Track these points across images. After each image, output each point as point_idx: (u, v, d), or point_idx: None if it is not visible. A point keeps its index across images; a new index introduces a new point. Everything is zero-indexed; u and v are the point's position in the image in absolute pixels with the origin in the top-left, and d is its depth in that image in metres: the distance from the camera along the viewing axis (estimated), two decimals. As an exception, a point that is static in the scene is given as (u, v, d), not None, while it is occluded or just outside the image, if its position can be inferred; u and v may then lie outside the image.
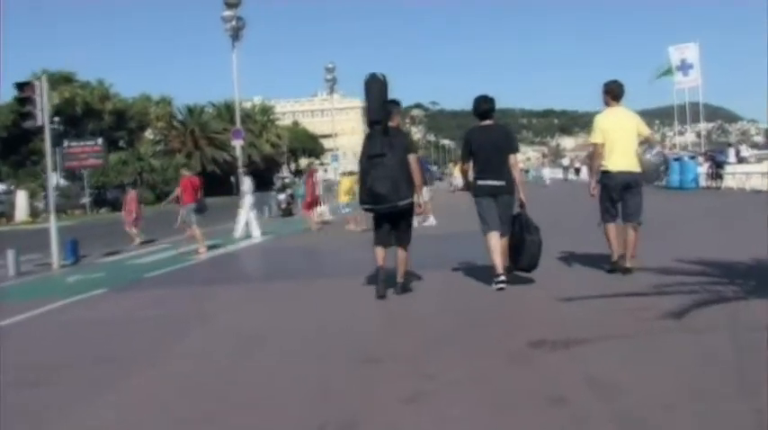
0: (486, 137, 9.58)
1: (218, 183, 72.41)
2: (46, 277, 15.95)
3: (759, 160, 47.73)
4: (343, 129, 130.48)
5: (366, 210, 9.74)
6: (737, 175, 33.34)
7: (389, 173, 9.15)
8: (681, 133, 69.00)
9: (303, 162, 77.21)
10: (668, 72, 48.15)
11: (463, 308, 8.59)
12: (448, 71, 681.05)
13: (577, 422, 4.43)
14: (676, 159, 36.03)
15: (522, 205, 9.58)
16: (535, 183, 52.07)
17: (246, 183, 23.13)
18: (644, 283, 8.70)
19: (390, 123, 9.48)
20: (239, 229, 22.27)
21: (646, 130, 10.18)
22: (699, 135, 63.93)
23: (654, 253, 10.45)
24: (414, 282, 10.09)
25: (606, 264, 10.03)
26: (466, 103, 10.52)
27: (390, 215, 9.44)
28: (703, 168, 35.89)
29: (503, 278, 9.18)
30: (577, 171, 63.16)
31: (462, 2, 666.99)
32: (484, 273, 9.72)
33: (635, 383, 5.06)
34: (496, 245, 9.35)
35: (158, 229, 24.17)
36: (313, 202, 23.80)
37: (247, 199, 22.71)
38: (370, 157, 9.38)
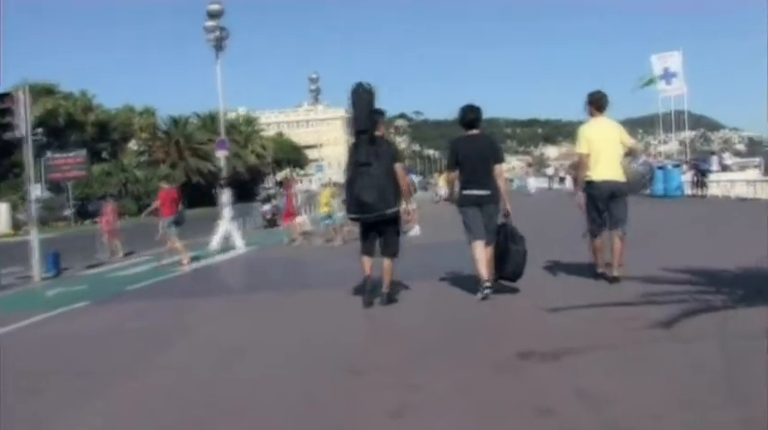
0: (472, 146, 9.55)
1: (202, 195, 72.21)
2: (27, 290, 15.81)
3: (741, 168, 48.03)
4: (328, 139, 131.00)
5: (353, 219, 9.69)
6: (722, 183, 33.48)
7: (376, 182, 9.14)
8: (665, 142, 69.15)
9: (283, 173, 77.27)
10: (651, 82, 48.30)
11: (450, 318, 8.51)
12: (432, 81, 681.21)
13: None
14: (660, 168, 36.12)
15: (506, 215, 9.55)
16: (519, 193, 52.10)
17: (225, 196, 22.94)
18: (631, 292, 8.65)
19: (376, 133, 9.46)
20: (216, 242, 22.06)
21: (629, 140, 10.19)
22: (682, 143, 64.25)
23: (640, 261, 10.39)
24: (400, 293, 10.02)
25: (592, 272, 10.05)
26: (450, 113, 10.51)
27: (377, 224, 9.40)
28: (687, 176, 36.01)
29: (488, 285, 9.14)
30: (562, 180, 63.30)
31: (446, 12, 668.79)
32: (470, 283, 9.65)
33: (624, 394, 5.00)
34: (481, 254, 9.31)
35: (140, 241, 23.99)
36: (292, 214, 23.64)
37: (227, 211, 22.56)
38: (356, 166, 9.37)
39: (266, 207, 34.13)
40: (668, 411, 4.61)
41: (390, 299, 9.43)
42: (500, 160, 9.68)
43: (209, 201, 68.35)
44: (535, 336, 7.10)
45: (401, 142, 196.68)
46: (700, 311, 7.37)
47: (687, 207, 27.53)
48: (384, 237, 9.51)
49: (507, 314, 8.60)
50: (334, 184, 43.42)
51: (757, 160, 52.21)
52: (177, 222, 18.34)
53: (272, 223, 32.23)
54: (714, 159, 43.06)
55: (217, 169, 55.27)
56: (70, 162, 60.61)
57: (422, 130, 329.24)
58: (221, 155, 36.50)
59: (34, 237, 17.64)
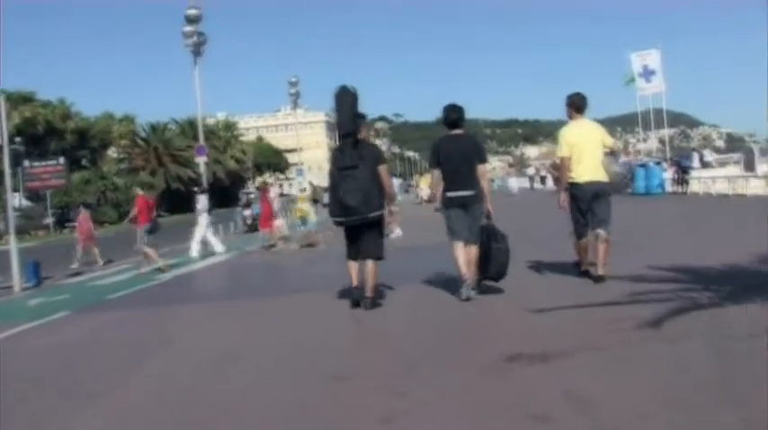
0: (455, 146, 9.54)
1: (182, 201, 71.90)
2: (7, 300, 15.61)
3: (722, 164, 48.31)
4: (308, 143, 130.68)
5: (337, 223, 9.61)
6: (703, 180, 33.63)
7: (360, 185, 9.13)
8: (644, 140, 69.41)
9: (259, 179, 76.79)
10: (632, 80, 48.38)
11: (435, 321, 8.43)
12: (411, 83, 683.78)
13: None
14: (642, 166, 36.23)
15: (488, 216, 9.53)
16: (501, 193, 52.13)
17: (201, 202, 22.74)
18: (617, 292, 8.59)
19: (358, 136, 9.43)
20: (195, 249, 21.93)
21: (610, 141, 10.26)
22: (662, 141, 64.51)
23: (625, 260, 10.37)
24: (384, 296, 9.96)
25: (577, 272, 10.08)
26: (430, 115, 10.53)
27: (361, 227, 9.36)
28: (669, 174, 36.13)
29: (469, 283, 9.18)
30: (543, 179, 63.40)
31: (425, 14, 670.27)
32: (455, 285, 9.57)
33: (614, 395, 4.94)
34: (462, 254, 9.34)
35: (120, 250, 23.80)
36: (269, 219, 23.39)
37: (203, 217, 22.43)
38: (340, 170, 9.34)
39: (247, 212, 33.99)
40: (657, 412, 4.56)
41: (374, 303, 9.34)
42: (484, 160, 9.67)
43: (190, 207, 68.15)
44: (522, 338, 7.03)
45: (382, 144, 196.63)
46: (687, 310, 7.33)
47: (669, 204, 27.63)
48: (368, 241, 9.44)
49: (493, 316, 8.54)
50: (310, 184, 43.22)
51: (736, 156, 52.52)
52: (152, 230, 18.28)
53: (253, 228, 32.13)
54: (695, 156, 43.26)
55: (197, 175, 55.09)
56: (49, 170, 60.09)
57: (402, 132, 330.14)
58: (201, 161, 36.27)
59: (13, 246, 17.44)
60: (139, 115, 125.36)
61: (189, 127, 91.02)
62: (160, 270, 17.64)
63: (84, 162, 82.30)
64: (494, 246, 9.35)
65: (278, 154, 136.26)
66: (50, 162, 61.45)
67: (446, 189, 9.50)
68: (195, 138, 56.79)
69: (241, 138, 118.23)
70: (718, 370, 5.35)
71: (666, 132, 64.52)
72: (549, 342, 6.62)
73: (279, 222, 23.53)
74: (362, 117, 9.76)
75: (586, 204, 9.79)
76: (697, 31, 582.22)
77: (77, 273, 20.01)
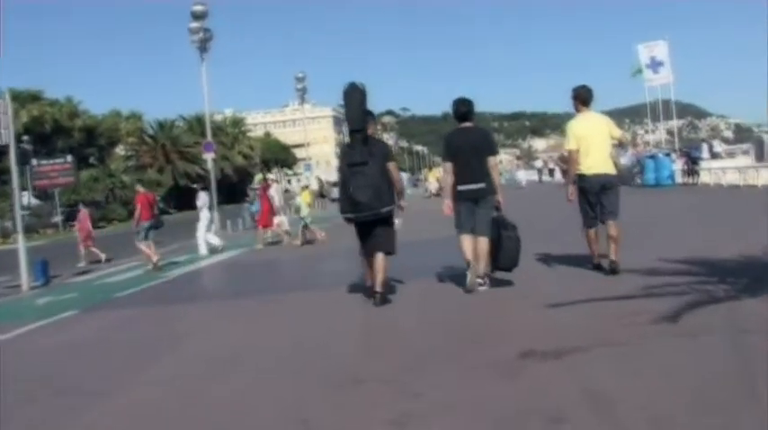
0: (465, 139, 9.57)
1: (189, 197, 71.93)
2: (15, 299, 15.62)
3: (731, 155, 48.06)
4: (315, 138, 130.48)
5: (347, 219, 9.54)
6: (713, 171, 33.39)
7: (371, 181, 9.14)
8: (652, 131, 69.17)
9: (258, 176, 76.56)
10: (639, 71, 48.08)
11: (447, 318, 8.32)
12: (418, 77, 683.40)
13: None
14: (651, 157, 36.06)
15: (498, 207, 9.51)
16: (510, 186, 51.96)
17: (201, 199, 22.68)
18: (631, 285, 8.45)
19: (367, 132, 9.45)
20: (202, 246, 21.87)
21: (618, 132, 10.30)
22: (670, 132, 64.16)
23: (637, 253, 10.26)
24: (395, 291, 9.90)
25: (589, 264, 10.03)
26: (437, 109, 10.49)
27: (372, 223, 9.33)
28: (679, 165, 35.93)
29: (474, 268, 9.29)
30: (551, 172, 63.23)
31: (431, 8, 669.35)
32: (464, 280, 9.45)
33: (634, 394, 4.79)
34: (467, 242, 9.39)
35: (128, 247, 23.75)
36: (270, 216, 23.07)
37: (203, 214, 22.37)
38: (350, 166, 9.33)
39: (255, 208, 33.92)
40: (678, 409, 4.44)
41: (384, 299, 9.26)
42: (494, 152, 9.70)
43: (194, 204, 68.12)
44: (537, 335, 6.88)
45: (389, 139, 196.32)
46: (703, 303, 7.19)
47: (680, 196, 27.46)
48: (379, 235, 9.40)
49: (507, 312, 8.42)
50: (318, 179, 43.04)
51: (746, 146, 52.26)
52: (155, 226, 18.24)
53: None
54: (704, 147, 43.02)
55: (205, 172, 55.01)
56: (57, 168, 60.08)
57: (409, 126, 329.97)
58: (208, 157, 36.20)
59: (21, 245, 17.41)
60: (147, 112, 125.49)
61: (196, 123, 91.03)
62: (156, 266, 17.73)
63: (91, 160, 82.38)
64: (503, 234, 9.34)
65: (285, 149, 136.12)
66: (58, 160, 61.48)
67: (456, 182, 9.47)
68: (203, 134, 56.69)
69: (249, 134, 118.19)
70: (739, 364, 5.22)
71: (675, 123, 64.14)
72: (563, 337, 6.50)
73: (278, 219, 23.37)
74: (371, 114, 9.77)
75: (595, 196, 9.78)
76: (704, 21, 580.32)
77: (85, 272, 19.99)
